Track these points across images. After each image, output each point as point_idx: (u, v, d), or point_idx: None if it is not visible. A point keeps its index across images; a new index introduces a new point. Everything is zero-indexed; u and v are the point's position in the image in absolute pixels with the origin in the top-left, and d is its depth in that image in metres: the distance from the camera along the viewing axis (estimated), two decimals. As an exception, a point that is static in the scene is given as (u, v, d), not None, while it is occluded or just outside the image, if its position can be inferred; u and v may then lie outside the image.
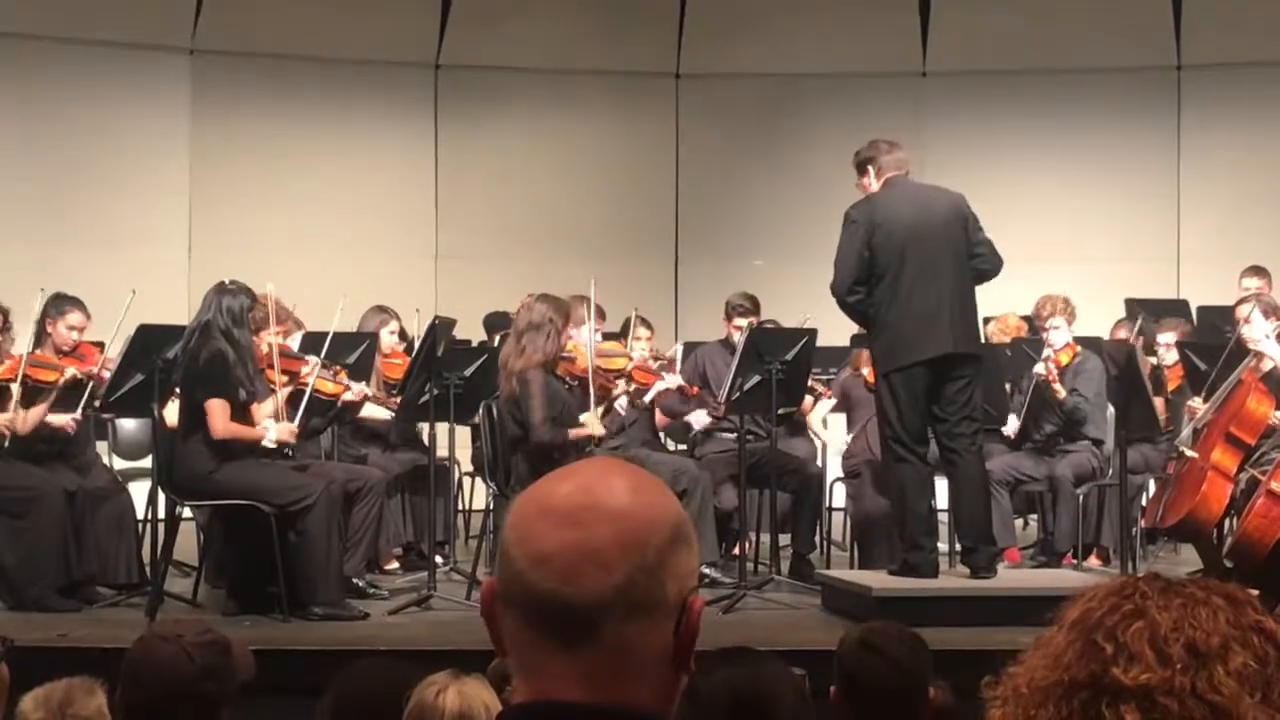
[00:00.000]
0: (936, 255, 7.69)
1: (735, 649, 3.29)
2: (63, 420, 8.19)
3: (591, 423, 8.45)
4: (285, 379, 8.20)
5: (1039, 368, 9.28)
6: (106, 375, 8.14)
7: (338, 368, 8.65)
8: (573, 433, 8.36)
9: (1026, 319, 9.94)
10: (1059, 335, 9.38)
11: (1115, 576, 1.61)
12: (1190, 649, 1.49)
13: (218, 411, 7.64)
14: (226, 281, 7.88)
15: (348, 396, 8.73)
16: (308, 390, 8.24)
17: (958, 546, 8.60)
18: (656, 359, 9.38)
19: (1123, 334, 9.91)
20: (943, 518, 8.68)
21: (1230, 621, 1.51)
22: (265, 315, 8.12)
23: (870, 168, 7.88)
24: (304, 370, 8.31)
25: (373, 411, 9.17)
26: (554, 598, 1.59)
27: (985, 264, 7.81)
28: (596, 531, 1.60)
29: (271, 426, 7.88)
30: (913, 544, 7.86)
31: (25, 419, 8.05)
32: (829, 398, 9.61)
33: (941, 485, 8.18)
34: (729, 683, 3.07)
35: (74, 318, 8.36)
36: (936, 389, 7.71)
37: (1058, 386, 9.29)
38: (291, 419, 8.11)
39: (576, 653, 1.59)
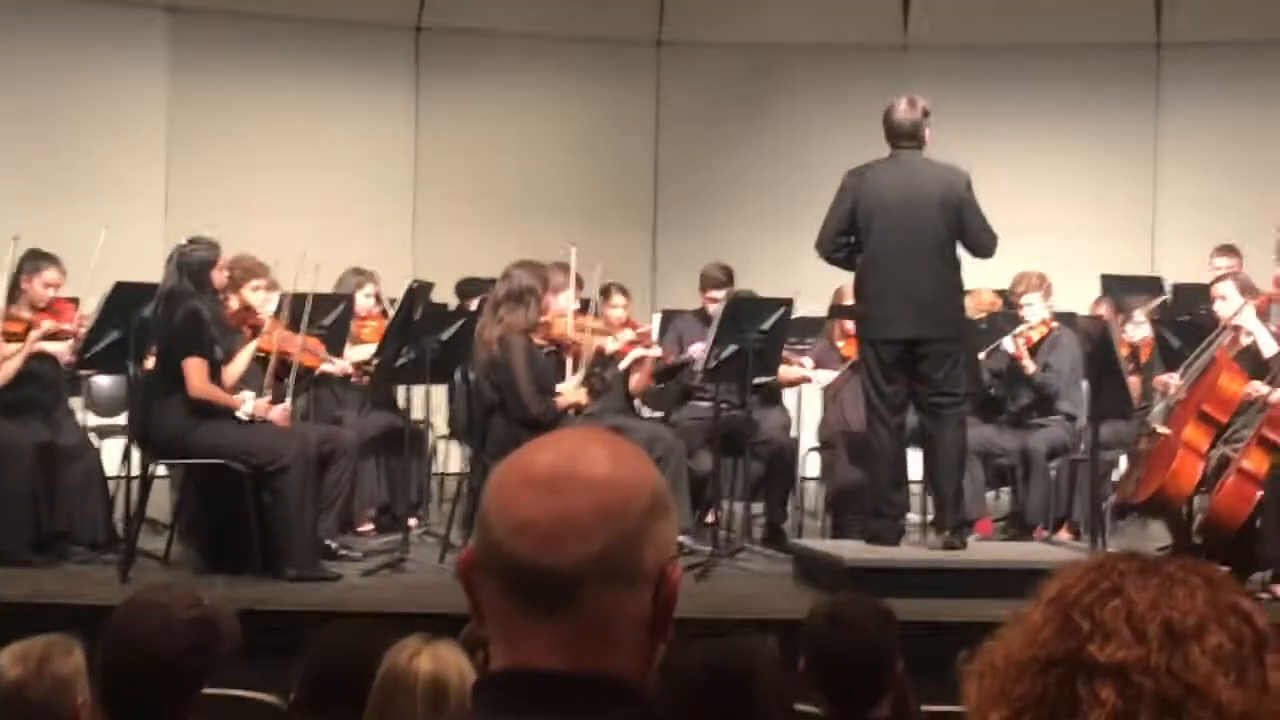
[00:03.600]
0: (915, 237, 7.71)
1: (708, 621, 3.29)
2: (58, 348, 8.17)
3: (571, 391, 8.46)
4: (250, 333, 8.17)
5: (1008, 344, 9.32)
6: (82, 332, 8.12)
7: (301, 335, 8.49)
8: (558, 403, 8.37)
9: (1002, 293, 9.96)
10: (1034, 312, 9.40)
11: (1090, 553, 1.62)
12: (1166, 628, 1.49)
13: (194, 370, 7.64)
14: (186, 240, 7.86)
15: (326, 368, 8.73)
16: (293, 368, 8.21)
17: (929, 518, 8.64)
18: (636, 336, 9.36)
19: (1102, 310, 9.92)
20: (915, 489, 8.71)
21: (1207, 601, 1.51)
22: (242, 272, 8.10)
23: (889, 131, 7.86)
24: (276, 336, 8.26)
25: (349, 356, 9.13)
26: (533, 566, 1.59)
27: (973, 250, 7.85)
28: (576, 500, 1.60)
29: (249, 400, 7.85)
30: (874, 510, 7.96)
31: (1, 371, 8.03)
32: (800, 365, 9.62)
33: (914, 457, 8.22)
34: (703, 657, 3.07)
35: (50, 274, 8.34)
36: (911, 363, 7.77)
37: (1027, 363, 9.32)
38: (277, 392, 8.11)
39: (555, 621, 1.60)
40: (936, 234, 7.75)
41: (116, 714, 3.38)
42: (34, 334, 8.14)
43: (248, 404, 7.82)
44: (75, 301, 8.70)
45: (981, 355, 9.30)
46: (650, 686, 1.65)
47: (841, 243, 7.84)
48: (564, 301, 8.86)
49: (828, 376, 9.49)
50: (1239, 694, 1.47)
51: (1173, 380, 8.66)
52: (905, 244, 7.72)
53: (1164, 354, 9.31)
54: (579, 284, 9.28)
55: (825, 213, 7.94)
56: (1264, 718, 1.48)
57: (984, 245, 7.85)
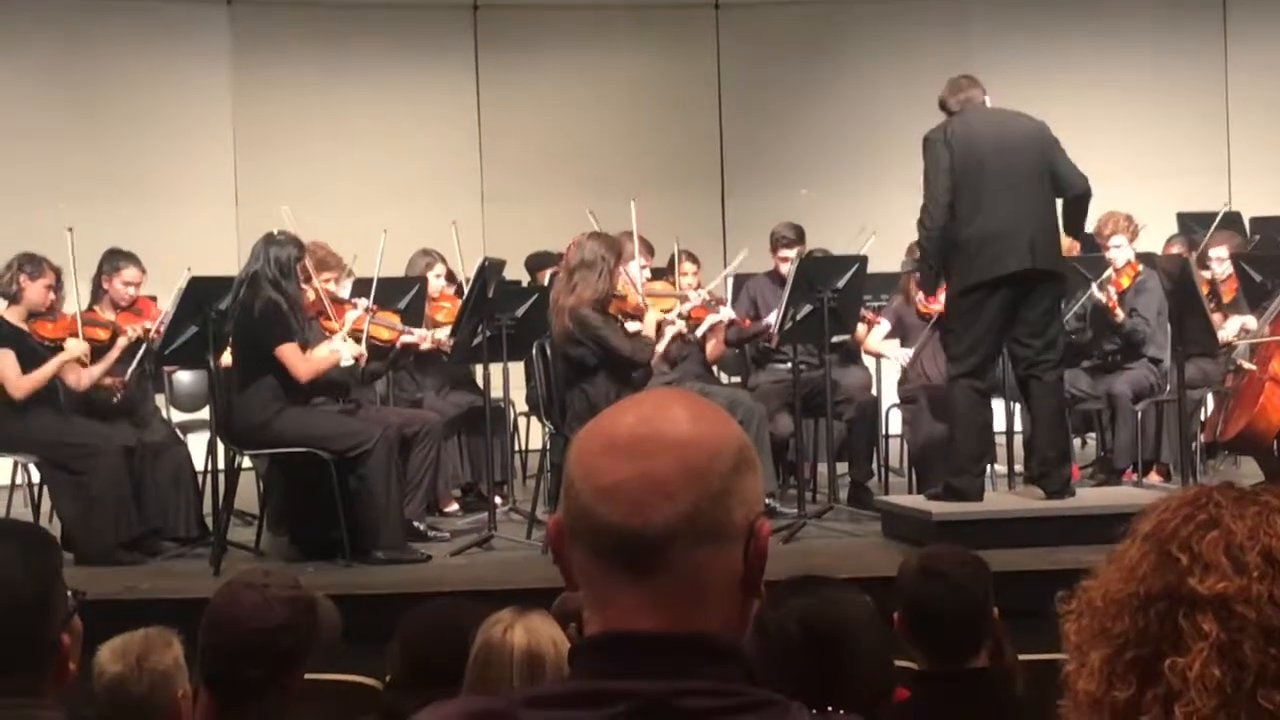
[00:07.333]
0: (1016, 171, 7.59)
1: (802, 578, 3.27)
2: (111, 380, 8.26)
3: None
4: (339, 325, 8.21)
5: (1098, 294, 9.17)
6: (163, 329, 8.19)
7: (374, 307, 8.53)
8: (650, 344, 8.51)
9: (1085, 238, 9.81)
10: (1121, 254, 9.25)
11: (1185, 489, 1.60)
12: (1266, 557, 1.48)
13: (291, 355, 7.69)
14: (274, 232, 7.90)
15: (406, 339, 8.75)
16: (363, 337, 8.24)
17: (1018, 468, 8.58)
18: (709, 297, 9.34)
19: (1176, 249, 9.79)
20: (1000, 440, 8.64)
21: (1306, 528, 1.50)
22: (315, 263, 8.13)
23: (946, 108, 7.83)
24: (354, 314, 8.29)
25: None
26: (621, 529, 1.59)
27: (1070, 191, 7.73)
28: (660, 461, 1.60)
29: (340, 347, 7.92)
30: (958, 468, 7.85)
31: (83, 377, 8.11)
32: (878, 324, 9.56)
33: (1000, 407, 8.13)
34: (798, 613, 3.06)
35: (130, 273, 8.43)
36: (1015, 310, 7.62)
37: (1118, 311, 9.18)
38: (369, 372, 8.29)
39: (647, 583, 1.59)
40: (1036, 168, 7.63)
41: (220, 692, 3.41)
42: (121, 340, 8.22)
43: (343, 350, 7.91)
44: (155, 299, 8.77)
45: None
46: (746, 644, 1.65)
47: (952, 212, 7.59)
48: (634, 271, 8.83)
49: (905, 353, 9.40)
50: (1345, 618, 1.45)
51: (1248, 321, 8.54)
52: (1010, 181, 7.57)
53: (1246, 289, 9.20)
54: (649, 251, 9.26)
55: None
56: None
57: (1078, 182, 7.73)
